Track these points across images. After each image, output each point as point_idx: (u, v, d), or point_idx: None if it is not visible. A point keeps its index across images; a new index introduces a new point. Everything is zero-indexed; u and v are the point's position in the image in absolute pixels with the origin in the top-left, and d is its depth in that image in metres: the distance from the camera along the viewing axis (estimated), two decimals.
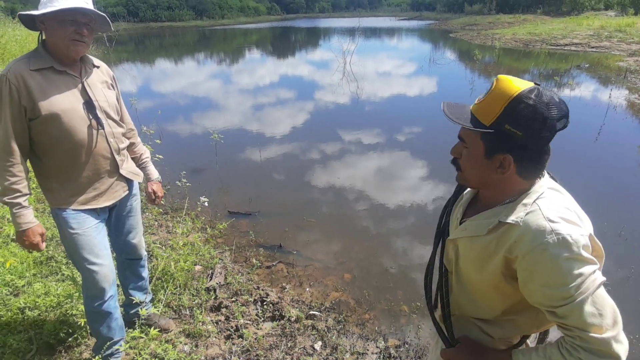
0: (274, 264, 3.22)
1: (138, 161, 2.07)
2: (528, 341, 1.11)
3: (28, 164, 1.68)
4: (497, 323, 1.07)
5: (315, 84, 12.03)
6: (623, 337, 0.86)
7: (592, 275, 0.84)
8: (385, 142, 6.36)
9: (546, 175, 0.97)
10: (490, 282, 0.99)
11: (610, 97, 8.40)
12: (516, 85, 0.87)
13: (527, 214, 0.89)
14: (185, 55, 21.74)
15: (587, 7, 33.88)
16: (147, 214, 3.78)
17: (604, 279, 0.86)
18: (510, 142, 0.89)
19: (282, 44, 28.52)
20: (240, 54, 21.59)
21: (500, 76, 0.90)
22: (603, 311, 0.84)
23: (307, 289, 2.94)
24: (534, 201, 0.91)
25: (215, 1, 64.61)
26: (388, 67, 14.91)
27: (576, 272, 0.83)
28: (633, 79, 10.29)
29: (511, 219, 0.91)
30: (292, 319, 2.52)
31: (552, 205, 0.89)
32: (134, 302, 2.08)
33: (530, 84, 0.88)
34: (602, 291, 0.85)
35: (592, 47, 16.24)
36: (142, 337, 1.89)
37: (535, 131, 0.86)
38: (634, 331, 2.48)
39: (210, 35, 36.38)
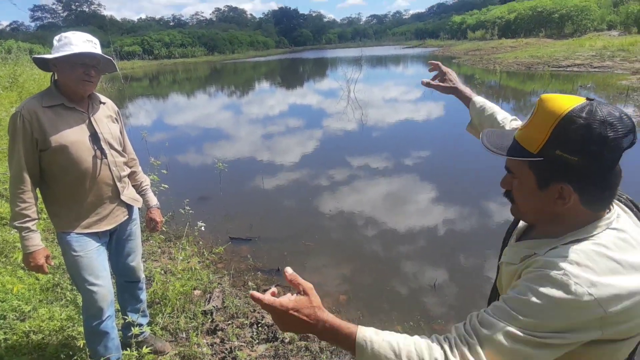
0: (271, 287, 3.28)
1: (138, 188, 2.22)
2: None
3: (37, 192, 1.84)
4: None
5: (319, 111, 12.36)
6: None
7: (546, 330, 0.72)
8: (385, 168, 6.48)
9: (616, 209, 0.83)
10: None
11: None
12: (564, 103, 0.75)
13: (552, 248, 0.80)
14: (197, 88, 22.60)
15: (589, 28, 34.23)
16: (151, 241, 3.92)
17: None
18: (566, 169, 0.76)
19: (289, 74, 29.42)
20: (250, 85, 22.33)
21: (544, 95, 0.79)
22: (500, 348, 0.73)
23: None
24: (578, 239, 0.78)
25: (225, 37, 67.55)
26: (391, 94, 15.23)
27: (536, 310, 0.72)
28: (636, 96, 10.33)
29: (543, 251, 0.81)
30: (286, 341, 2.57)
31: (588, 248, 0.75)
32: (129, 322, 2.18)
33: (582, 100, 0.76)
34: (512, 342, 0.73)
35: (595, 67, 16.35)
36: (136, 356, 1.97)
37: (595, 154, 0.73)
38: None
39: (221, 69, 37.74)
